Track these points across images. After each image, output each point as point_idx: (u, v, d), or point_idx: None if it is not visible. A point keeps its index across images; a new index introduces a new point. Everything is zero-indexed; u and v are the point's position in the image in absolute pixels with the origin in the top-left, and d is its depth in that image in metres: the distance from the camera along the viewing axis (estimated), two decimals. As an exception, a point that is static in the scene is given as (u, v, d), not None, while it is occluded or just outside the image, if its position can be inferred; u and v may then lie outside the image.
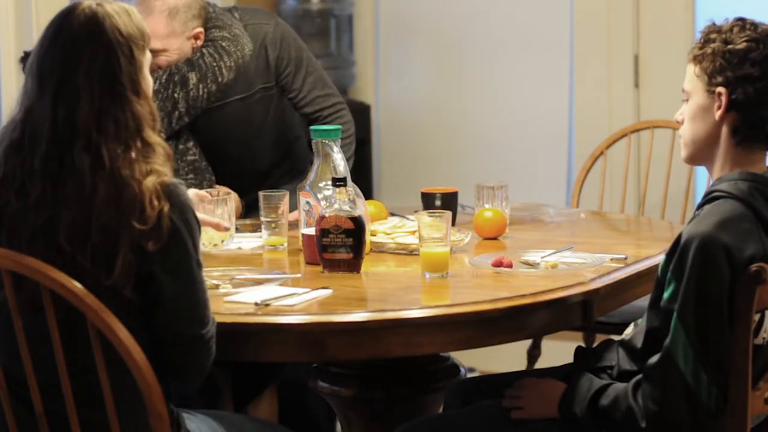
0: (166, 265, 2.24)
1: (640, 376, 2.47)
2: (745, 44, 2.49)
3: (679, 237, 2.44)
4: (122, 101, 2.23)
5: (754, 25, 2.53)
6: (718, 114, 2.51)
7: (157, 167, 2.24)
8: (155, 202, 2.20)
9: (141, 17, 2.31)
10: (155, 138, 2.27)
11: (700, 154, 2.58)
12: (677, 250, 2.43)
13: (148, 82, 2.32)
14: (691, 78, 2.55)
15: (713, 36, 2.52)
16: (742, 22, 2.53)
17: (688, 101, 2.57)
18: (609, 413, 2.49)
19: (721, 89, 2.49)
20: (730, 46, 2.49)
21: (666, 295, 2.45)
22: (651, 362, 2.44)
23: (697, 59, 2.53)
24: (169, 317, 2.27)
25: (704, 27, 2.57)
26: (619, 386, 2.50)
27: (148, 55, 2.33)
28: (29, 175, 2.23)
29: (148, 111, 2.27)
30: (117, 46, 2.24)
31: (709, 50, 2.51)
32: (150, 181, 2.21)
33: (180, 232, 2.24)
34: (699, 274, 2.38)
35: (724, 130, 2.52)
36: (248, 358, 2.68)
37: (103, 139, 2.21)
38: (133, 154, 2.24)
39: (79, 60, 2.22)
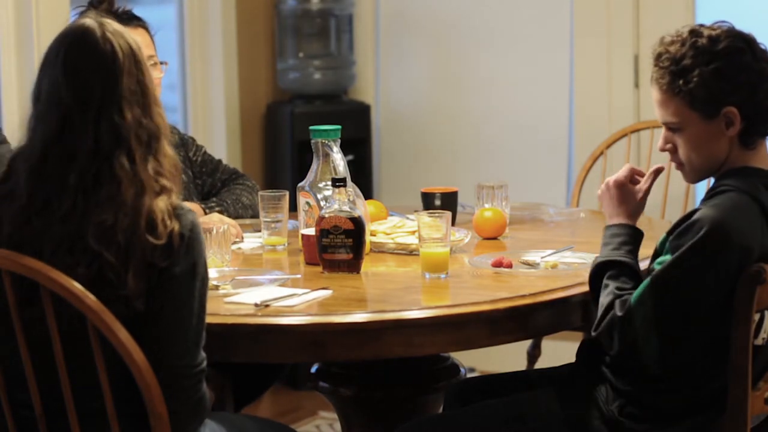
0: (171, 283, 2.24)
1: (628, 294, 2.48)
2: (728, 58, 2.47)
3: (688, 215, 2.44)
4: (150, 111, 2.31)
5: (709, 36, 2.48)
6: (731, 131, 2.49)
7: (166, 183, 2.29)
8: (167, 221, 2.24)
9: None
10: (169, 150, 2.33)
11: (711, 172, 2.57)
12: (682, 225, 2.43)
13: None
14: (679, 111, 2.50)
15: (686, 63, 2.47)
16: (693, 37, 2.49)
17: (680, 131, 2.53)
18: (597, 289, 2.55)
19: (730, 109, 2.48)
20: (713, 66, 2.46)
21: (656, 264, 2.46)
22: (617, 311, 2.46)
23: (682, 93, 2.48)
24: (157, 340, 2.25)
25: (658, 57, 2.51)
26: (619, 284, 2.52)
27: None
28: (58, 193, 2.25)
29: (163, 120, 2.34)
30: (141, 59, 2.32)
31: (695, 79, 2.46)
32: (162, 201, 2.25)
33: (189, 251, 2.26)
34: (703, 251, 2.39)
35: (735, 141, 2.51)
36: (248, 358, 2.69)
37: (138, 148, 2.27)
38: (151, 162, 2.29)
39: (119, 78, 2.27)
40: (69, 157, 2.25)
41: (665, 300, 2.42)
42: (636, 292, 2.45)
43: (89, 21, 2.30)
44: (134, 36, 3.05)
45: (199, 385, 2.29)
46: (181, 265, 2.24)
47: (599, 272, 2.57)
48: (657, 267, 2.46)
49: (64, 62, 2.28)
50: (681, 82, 2.48)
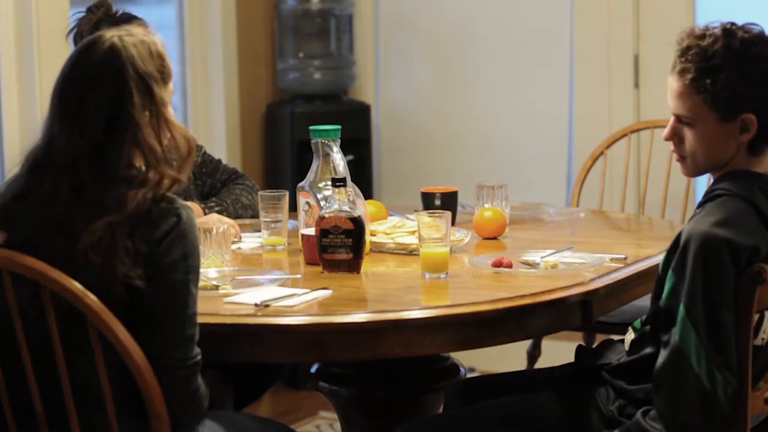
0: (163, 274, 2.25)
1: (646, 407, 2.44)
2: (758, 64, 2.44)
3: (680, 234, 2.43)
4: (125, 134, 2.28)
5: (742, 38, 2.45)
6: (743, 137, 2.47)
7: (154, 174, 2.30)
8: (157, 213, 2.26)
9: (163, 50, 2.36)
10: (170, 173, 2.31)
11: (711, 170, 2.56)
12: (678, 248, 2.42)
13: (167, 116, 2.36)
14: (696, 107, 2.47)
15: (715, 63, 2.44)
16: (726, 37, 2.46)
17: (691, 126, 2.50)
18: None
19: (749, 116, 2.46)
20: (742, 70, 2.43)
21: (665, 293, 2.44)
22: (659, 366, 2.41)
23: (707, 92, 2.45)
24: (152, 333, 2.26)
25: (687, 50, 2.48)
26: (627, 423, 2.48)
27: (170, 88, 2.39)
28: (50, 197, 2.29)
29: (157, 144, 2.30)
30: (130, 79, 2.28)
31: (721, 80, 2.44)
32: (150, 192, 2.26)
33: (180, 241, 2.27)
34: (705, 272, 2.37)
35: (743, 146, 2.51)
36: (248, 359, 2.69)
37: (90, 171, 2.27)
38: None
39: (91, 90, 2.27)
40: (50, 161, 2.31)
41: (707, 328, 2.37)
42: (676, 334, 2.39)
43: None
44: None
45: (194, 378, 2.30)
46: (171, 255, 2.24)
47: None
48: (665, 297, 2.43)
49: (64, 65, 2.33)
50: (708, 81, 2.45)
